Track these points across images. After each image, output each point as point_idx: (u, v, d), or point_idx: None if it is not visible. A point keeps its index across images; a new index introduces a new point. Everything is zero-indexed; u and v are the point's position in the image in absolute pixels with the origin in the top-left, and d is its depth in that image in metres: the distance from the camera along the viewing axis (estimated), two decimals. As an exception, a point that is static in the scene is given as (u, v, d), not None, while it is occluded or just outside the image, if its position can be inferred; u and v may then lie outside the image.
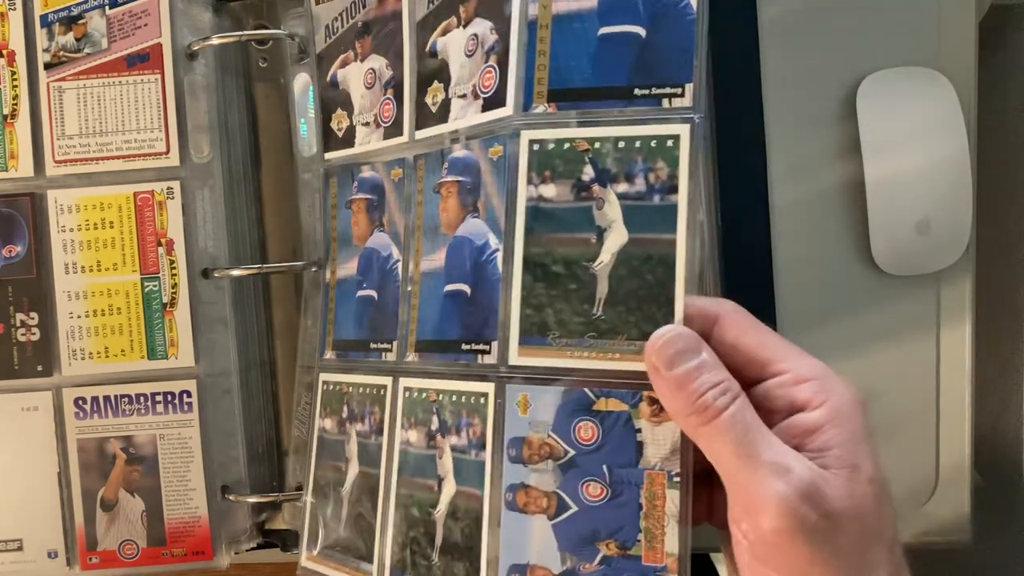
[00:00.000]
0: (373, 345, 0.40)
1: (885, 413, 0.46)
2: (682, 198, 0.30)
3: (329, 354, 0.42)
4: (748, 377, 0.30)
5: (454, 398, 0.35)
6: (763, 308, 0.44)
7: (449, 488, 0.35)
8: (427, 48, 0.39)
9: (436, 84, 0.38)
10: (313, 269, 0.45)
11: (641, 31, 0.32)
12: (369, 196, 0.41)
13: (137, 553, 0.44)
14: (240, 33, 0.45)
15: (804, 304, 0.45)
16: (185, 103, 0.43)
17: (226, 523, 0.44)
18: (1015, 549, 0.51)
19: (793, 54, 0.45)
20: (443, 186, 0.37)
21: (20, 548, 0.44)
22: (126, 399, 0.43)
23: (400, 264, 0.39)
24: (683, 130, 0.30)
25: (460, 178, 0.36)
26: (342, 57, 0.43)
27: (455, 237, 0.36)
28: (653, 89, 0.31)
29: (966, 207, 0.43)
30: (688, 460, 0.30)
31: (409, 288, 0.38)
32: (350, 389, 0.41)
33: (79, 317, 0.43)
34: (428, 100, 0.38)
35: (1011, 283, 0.51)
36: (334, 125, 0.43)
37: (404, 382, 0.37)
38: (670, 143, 0.31)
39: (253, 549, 0.46)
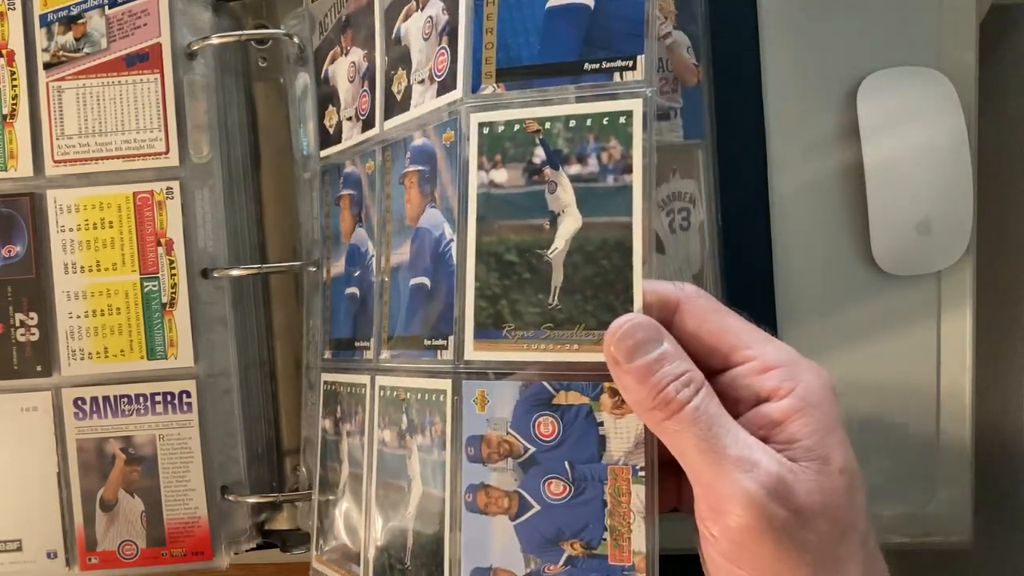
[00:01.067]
0: (357, 343, 0.39)
1: (885, 413, 0.46)
2: (636, 178, 0.29)
3: (327, 353, 0.42)
4: (713, 365, 0.29)
5: (419, 396, 0.34)
6: (763, 308, 0.44)
7: (417, 489, 0.34)
8: (393, 35, 0.37)
9: (400, 71, 0.36)
10: (312, 269, 0.45)
11: (590, 2, 0.30)
12: (352, 192, 0.40)
13: (136, 553, 0.43)
14: (240, 33, 0.44)
15: (804, 304, 0.45)
16: (185, 103, 0.43)
17: (226, 523, 0.44)
18: (1015, 549, 0.51)
19: (793, 54, 0.45)
20: (406, 176, 0.35)
21: (19, 548, 0.44)
22: (125, 399, 0.43)
23: (374, 259, 0.38)
24: (635, 105, 0.29)
25: (420, 167, 0.35)
26: (331, 53, 0.43)
27: (417, 228, 0.35)
28: (603, 63, 0.29)
29: (966, 207, 0.43)
30: (652, 454, 0.28)
31: (382, 283, 0.37)
32: (341, 389, 0.40)
33: (78, 317, 0.43)
34: (394, 88, 0.37)
35: (1011, 283, 0.51)
36: (327, 122, 0.43)
37: (380, 380, 0.36)
38: (623, 120, 0.29)
39: (253, 549, 0.46)
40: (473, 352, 0.31)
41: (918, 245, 0.44)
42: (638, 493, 0.28)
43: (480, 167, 0.31)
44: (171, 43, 0.43)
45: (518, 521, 0.30)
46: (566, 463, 0.29)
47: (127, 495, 0.43)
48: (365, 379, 0.37)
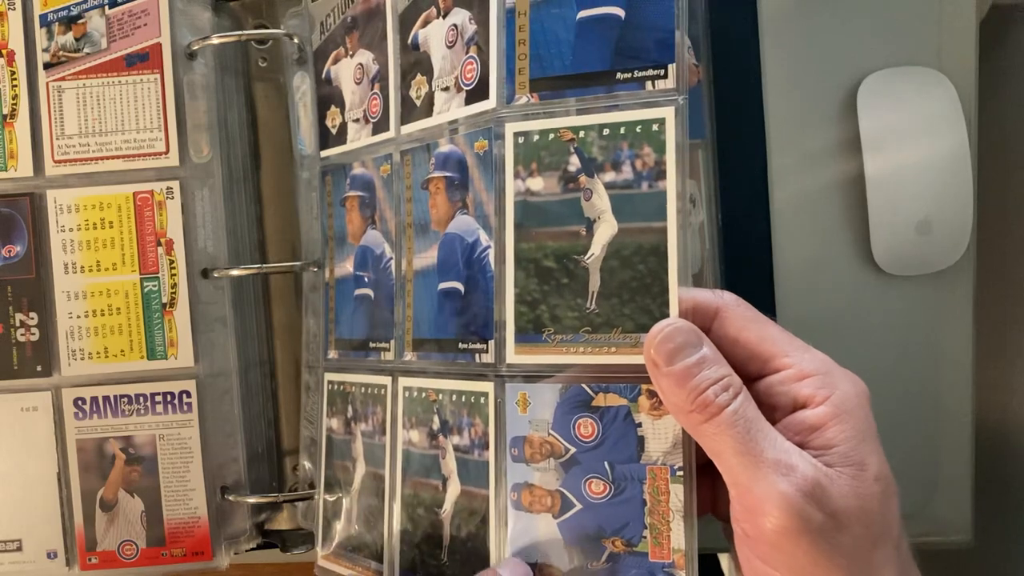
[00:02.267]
0: (372, 344, 0.39)
1: (886, 413, 0.46)
2: (671, 184, 0.29)
3: (332, 353, 0.43)
4: (750, 372, 0.29)
5: (454, 397, 0.34)
6: (763, 308, 0.44)
7: (454, 488, 0.34)
8: (409, 41, 0.38)
9: (420, 77, 0.37)
10: (313, 269, 0.45)
11: (620, 12, 0.31)
12: (361, 193, 0.41)
13: (136, 553, 0.43)
14: (240, 33, 0.44)
15: (804, 304, 0.45)
16: (185, 103, 0.43)
17: (226, 523, 0.44)
18: (1015, 549, 0.51)
19: (793, 54, 0.45)
20: (431, 182, 0.36)
21: (19, 548, 0.44)
22: (125, 399, 0.43)
23: (393, 262, 0.38)
24: (668, 113, 0.30)
25: (447, 174, 0.35)
26: (334, 54, 0.43)
27: (446, 234, 0.35)
28: (635, 72, 0.30)
29: (967, 207, 0.43)
30: (691, 454, 0.29)
31: (403, 286, 0.37)
32: (353, 389, 0.40)
33: (78, 317, 0.43)
34: (412, 94, 0.37)
35: (1012, 283, 0.51)
36: (329, 122, 0.43)
37: (403, 381, 0.37)
38: (655, 127, 0.30)
39: (253, 549, 0.46)
40: (515, 356, 0.32)
41: (918, 245, 0.44)
42: (676, 492, 0.29)
43: (516, 175, 0.32)
44: (171, 43, 0.43)
45: (561, 519, 0.31)
46: (606, 463, 0.30)
47: (127, 495, 0.43)
48: (386, 380, 0.38)
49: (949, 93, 0.44)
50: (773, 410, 0.29)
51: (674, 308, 0.29)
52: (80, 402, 0.43)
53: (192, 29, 0.44)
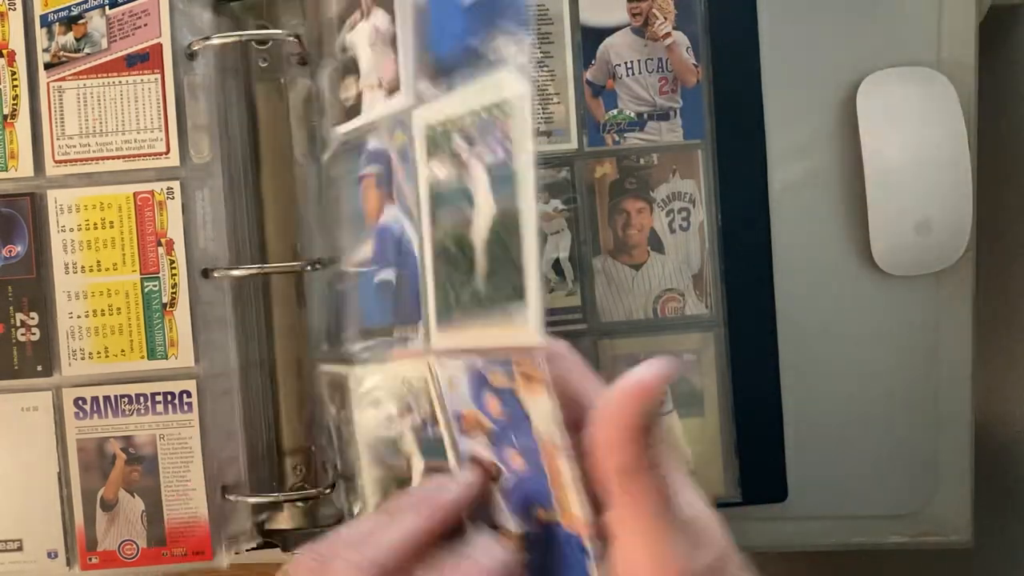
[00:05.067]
0: (396, 333, 0.39)
1: (885, 413, 0.46)
2: (522, 154, 0.28)
3: (325, 346, 0.43)
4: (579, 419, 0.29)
5: (412, 382, 0.35)
6: (763, 308, 0.45)
7: (418, 465, 0.35)
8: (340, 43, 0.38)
9: (350, 78, 0.38)
10: (315, 268, 0.45)
11: None
12: (380, 167, 0.38)
13: (137, 553, 0.44)
14: (240, 33, 0.44)
15: (804, 304, 0.45)
16: (185, 103, 0.43)
17: (226, 523, 0.44)
18: (1015, 549, 0.51)
19: (793, 54, 0.45)
20: (363, 178, 0.37)
21: (20, 548, 0.44)
22: (126, 399, 0.43)
23: (416, 242, 0.37)
24: (521, 83, 0.28)
25: (375, 169, 0.36)
26: (350, 19, 0.40)
27: (378, 227, 0.36)
28: (499, 48, 0.29)
29: (966, 207, 0.43)
30: (563, 433, 0.28)
31: (353, 278, 0.39)
32: (332, 377, 0.42)
33: (79, 317, 0.43)
34: (342, 95, 0.38)
35: (1011, 283, 0.51)
36: (344, 94, 0.41)
37: (357, 371, 0.38)
38: (513, 100, 0.28)
39: (253, 549, 0.46)
40: (437, 339, 0.33)
41: (918, 245, 0.44)
42: (565, 467, 0.29)
43: (426, 164, 0.32)
44: (171, 43, 0.43)
45: (502, 487, 0.32)
46: (513, 437, 0.30)
47: (127, 495, 0.43)
48: (346, 369, 0.39)
49: (949, 93, 0.44)
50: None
51: (530, 294, 0.28)
52: (80, 402, 0.43)
53: (192, 29, 0.44)
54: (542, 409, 0.29)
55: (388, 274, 0.39)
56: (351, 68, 0.37)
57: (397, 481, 0.40)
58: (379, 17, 0.35)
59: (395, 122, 0.37)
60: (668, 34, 0.44)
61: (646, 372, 0.27)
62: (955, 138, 0.43)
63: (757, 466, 0.44)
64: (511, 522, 0.32)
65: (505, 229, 0.29)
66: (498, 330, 0.29)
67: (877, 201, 0.44)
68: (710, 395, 0.45)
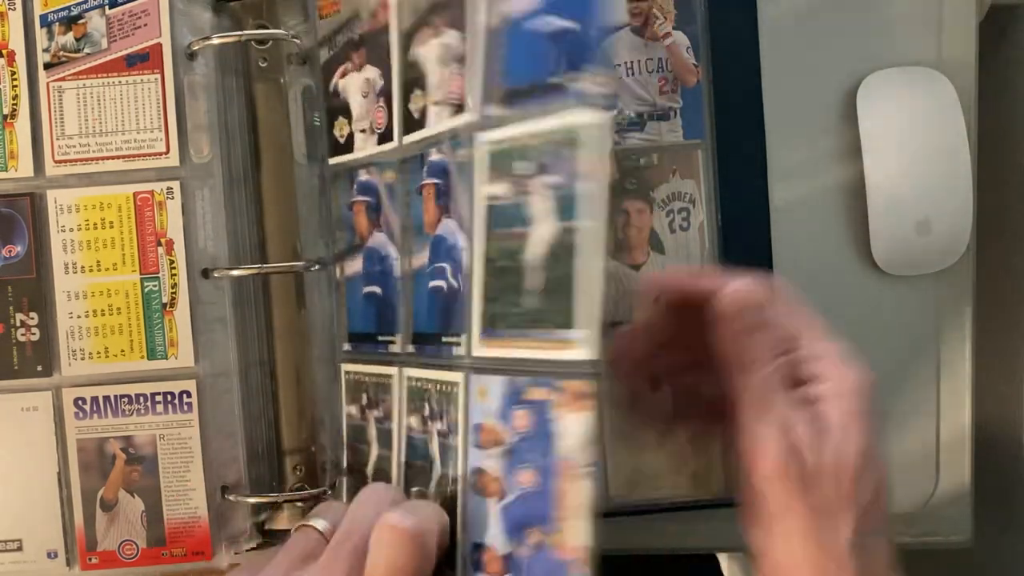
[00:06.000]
0: (380, 338, 0.42)
1: (885, 413, 0.46)
2: (595, 185, 0.30)
3: (346, 346, 0.44)
4: (777, 348, 0.34)
5: (439, 387, 0.37)
6: (763, 308, 0.44)
7: (436, 471, 0.37)
8: (409, 58, 0.40)
9: (418, 92, 0.40)
10: (315, 268, 0.45)
11: (574, 25, 0.32)
12: (368, 199, 0.43)
13: (137, 553, 0.44)
14: (240, 33, 0.44)
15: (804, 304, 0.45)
16: (185, 103, 0.43)
17: (226, 523, 0.44)
18: (1015, 549, 0.51)
19: (793, 54, 0.45)
20: (424, 187, 0.39)
21: (20, 548, 0.44)
22: (126, 399, 0.43)
23: (397, 262, 0.41)
24: (597, 116, 0.30)
25: (436, 181, 0.38)
26: (341, 68, 0.44)
27: (435, 236, 0.38)
28: (577, 80, 0.31)
29: (966, 207, 0.43)
30: (595, 453, 0.31)
31: (405, 284, 0.40)
32: (367, 379, 0.42)
33: (79, 317, 0.43)
34: (412, 107, 0.40)
35: (1012, 283, 0.51)
36: (337, 132, 0.45)
37: (407, 372, 0.40)
38: (584, 130, 0.31)
39: (253, 549, 0.46)
40: (479, 349, 0.35)
41: (918, 245, 0.44)
42: (581, 489, 0.30)
43: (485, 182, 0.35)
44: (171, 43, 0.43)
45: (502, 504, 0.33)
46: (532, 454, 0.32)
47: (127, 495, 0.43)
48: (392, 371, 0.41)
49: (949, 93, 0.44)
50: (789, 381, 0.34)
51: (581, 319, 0.30)
52: (80, 402, 0.43)
53: (192, 29, 0.44)
54: (578, 426, 0.30)
55: (375, 288, 0.43)
56: (419, 82, 0.40)
57: (360, 463, 0.43)
58: (450, 37, 0.38)
59: (389, 163, 0.41)
60: (668, 34, 0.44)
61: (742, 283, 0.35)
62: (954, 138, 0.43)
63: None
64: (499, 541, 0.32)
65: (566, 251, 0.31)
66: (551, 346, 0.31)
67: (877, 201, 0.44)
68: (710, 395, 0.45)
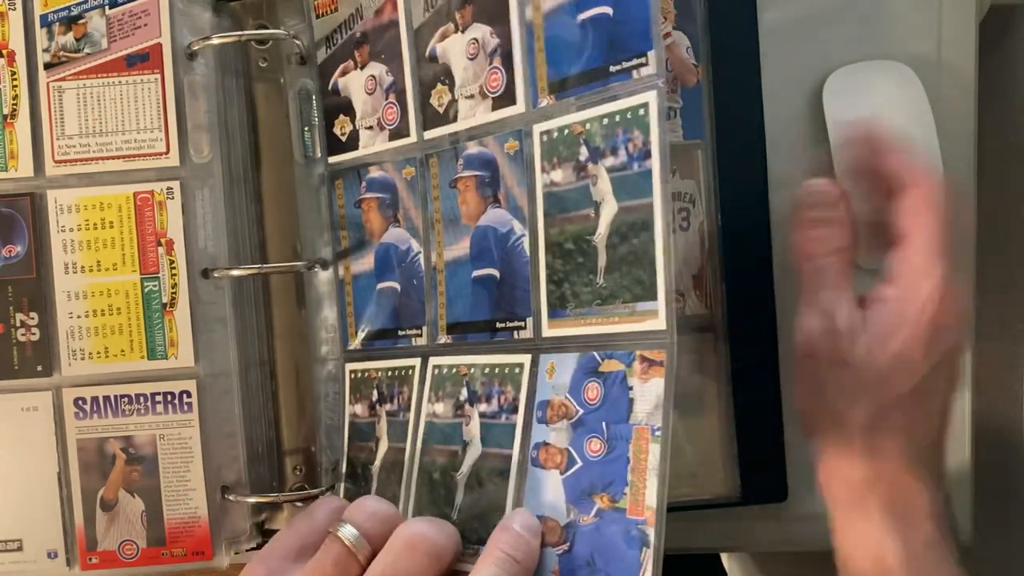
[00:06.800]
0: (401, 332, 0.43)
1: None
2: (655, 162, 0.32)
3: (354, 344, 0.45)
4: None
5: (486, 370, 0.38)
6: (763, 308, 0.44)
7: (474, 451, 0.38)
8: (427, 54, 0.41)
9: (440, 87, 0.40)
10: (315, 268, 0.45)
11: (609, 10, 0.34)
12: (380, 195, 0.43)
13: (137, 553, 0.44)
14: (240, 33, 0.44)
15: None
16: (185, 103, 0.43)
17: (226, 523, 0.44)
18: (1015, 549, 0.51)
19: (792, 54, 0.45)
20: (460, 181, 0.40)
21: (20, 548, 0.44)
22: (126, 399, 0.43)
23: (421, 255, 0.42)
24: (651, 97, 0.33)
25: (477, 172, 0.39)
26: (342, 67, 0.44)
27: (478, 227, 0.39)
28: (623, 63, 0.33)
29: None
30: (668, 416, 0.32)
31: (434, 276, 0.41)
32: (379, 374, 0.43)
33: (79, 317, 0.43)
34: (434, 102, 0.41)
35: (1012, 283, 0.51)
36: (337, 130, 0.45)
37: (434, 361, 0.41)
38: (641, 112, 0.33)
39: (253, 549, 0.46)
40: (548, 330, 0.36)
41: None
42: (654, 452, 0.32)
43: (542, 170, 0.36)
44: (171, 43, 0.43)
45: (566, 475, 0.35)
46: (604, 424, 0.34)
47: (127, 495, 0.43)
48: (414, 362, 0.41)
49: (915, 85, 0.44)
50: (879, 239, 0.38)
51: (661, 278, 0.32)
52: (80, 402, 0.43)
53: (192, 29, 0.44)
54: (652, 393, 0.32)
55: (392, 283, 0.43)
56: (441, 77, 0.40)
57: (364, 463, 0.43)
58: (479, 31, 0.38)
59: (408, 159, 0.42)
60: (668, 34, 0.44)
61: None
62: (923, 128, 0.43)
63: (757, 466, 0.44)
64: (560, 511, 0.34)
65: (632, 228, 0.33)
66: (627, 319, 0.33)
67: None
68: (710, 395, 0.45)
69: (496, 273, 0.38)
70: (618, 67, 0.33)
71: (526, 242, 0.37)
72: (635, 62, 0.33)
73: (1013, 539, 0.51)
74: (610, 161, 0.34)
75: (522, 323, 0.37)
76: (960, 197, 0.44)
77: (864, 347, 0.36)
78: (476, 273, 0.39)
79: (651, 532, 0.32)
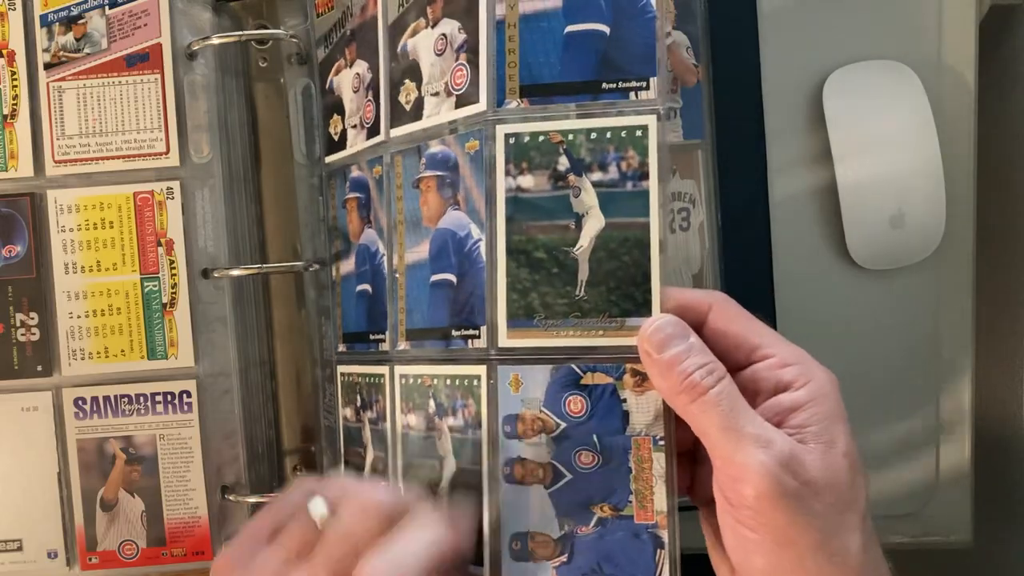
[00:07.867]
0: (371, 336, 0.41)
1: (885, 413, 0.46)
2: (653, 184, 0.33)
3: (341, 347, 0.44)
4: (738, 361, 0.32)
5: (448, 382, 0.37)
6: (763, 308, 0.44)
7: (449, 467, 0.37)
8: (398, 49, 0.40)
9: (408, 83, 0.39)
10: (314, 268, 0.45)
11: (605, 28, 0.34)
12: (359, 195, 0.43)
13: (137, 553, 0.44)
14: (240, 33, 0.44)
15: (804, 303, 0.45)
16: (185, 103, 0.43)
17: (226, 523, 0.44)
18: (1015, 549, 0.51)
19: (792, 54, 0.45)
20: (422, 181, 0.38)
21: (20, 548, 0.44)
22: (126, 399, 0.43)
23: (384, 258, 0.41)
24: (651, 121, 0.33)
25: (438, 173, 0.38)
26: (336, 65, 0.44)
27: (437, 229, 0.38)
28: (620, 83, 0.33)
29: (939, 200, 0.43)
30: (671, 425, 0.32)
31: (395, 280, 0.40)
32: (359, 379, 0.42)
33: (79, 317, 0.43)
34: (402, 99, 0.39)
35: (1012, 282, 0.51)
36: (332, 130, 0.44)
37: (399, 369, 0.39)
38: (639, 133, 0.33)
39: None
40: (507, 340, 0.35)
41: (893, 239, 0.44)
42: (659, 460, 0.33)
43: (507, 173, 0.35)
44: (171, 43, 0.43)
45: (552, 489, 0.34)
46: (594, 436, 0.33)
47: (127, 495, 0.43)
48: (384, 369, 0.40)
49: (915, 84, 0.44)
50: (756, 395, 0.32)
51: (656, 306, 0.33)
52: (80, 402, 0.43)
53: (192, 29, 0.44)
54: (648, 405, 0.33)
55: (365, 286, 0.42)
56: (409, 74, 0.39)
57: (356, 467, 0.42)
58: (448, 27, 0.37)
59: (375, 157, 0.41)
60: (668, 34, 0.44)
61: (649, 319, 0.32)
62: (923, 128, 0.43)
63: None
64: (551, 525, 0.34)
65: (623, 245, 0.33)
66: (610, 333, 0.33)
67: (850, 197, 0.44)
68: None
69: (453, 278, 0.37)
70: (612, 85, 0.33)
71: (483, 247, 0.35)
72: (633, 84, 0.33)
73: (1013, 539, 0.51)
74: (598, 176, 0.33)
75: (476, 331, 0.36)
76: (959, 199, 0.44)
77: (822, 459, 0.30)
78: (434, 278, 0.38)
79: (664, 534, 0.32)
